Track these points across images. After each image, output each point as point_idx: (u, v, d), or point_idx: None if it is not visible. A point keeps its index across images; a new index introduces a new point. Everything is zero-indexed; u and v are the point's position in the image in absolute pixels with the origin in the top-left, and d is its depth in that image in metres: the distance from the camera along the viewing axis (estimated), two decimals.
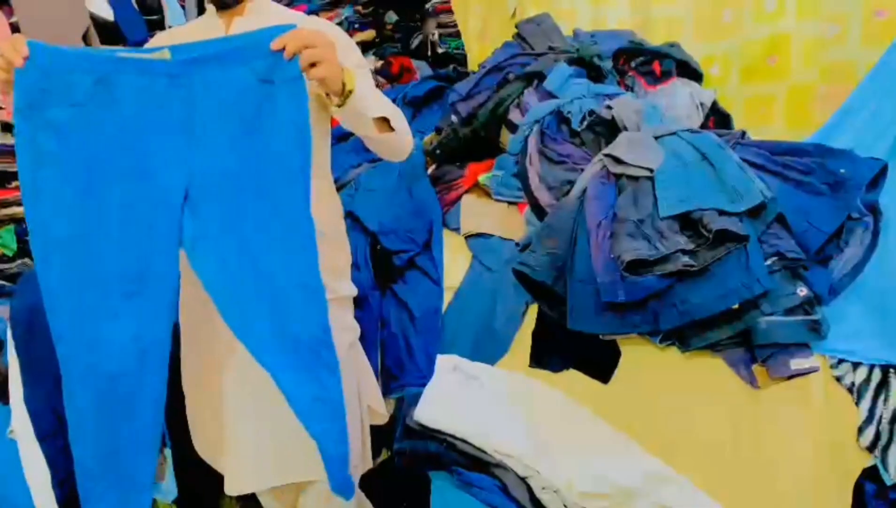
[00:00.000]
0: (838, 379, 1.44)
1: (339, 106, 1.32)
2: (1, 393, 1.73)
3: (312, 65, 1.22)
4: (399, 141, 1.49)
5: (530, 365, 1.64)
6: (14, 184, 2.54)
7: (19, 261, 2.57)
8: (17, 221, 2.57)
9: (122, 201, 1.27)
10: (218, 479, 1.78)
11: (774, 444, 1.44)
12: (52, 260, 1.26)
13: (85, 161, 1.24)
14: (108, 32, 2.80)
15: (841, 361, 1.45)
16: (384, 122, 1.44)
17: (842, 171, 1.55)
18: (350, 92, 1.30)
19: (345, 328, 1.63)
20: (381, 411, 1.76)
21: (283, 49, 1.21)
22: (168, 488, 1.80)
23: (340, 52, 1.41)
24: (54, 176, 1.23)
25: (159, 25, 3.01)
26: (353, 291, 1.66)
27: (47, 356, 1.67)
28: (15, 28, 2.43)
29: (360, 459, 1.68)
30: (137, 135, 1.25)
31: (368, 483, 1.75)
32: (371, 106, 1.39)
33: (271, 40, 1.21)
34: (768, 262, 1.48)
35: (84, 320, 1.28)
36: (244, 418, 1.56)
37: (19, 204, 2.54)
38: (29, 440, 1.66)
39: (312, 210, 1.41)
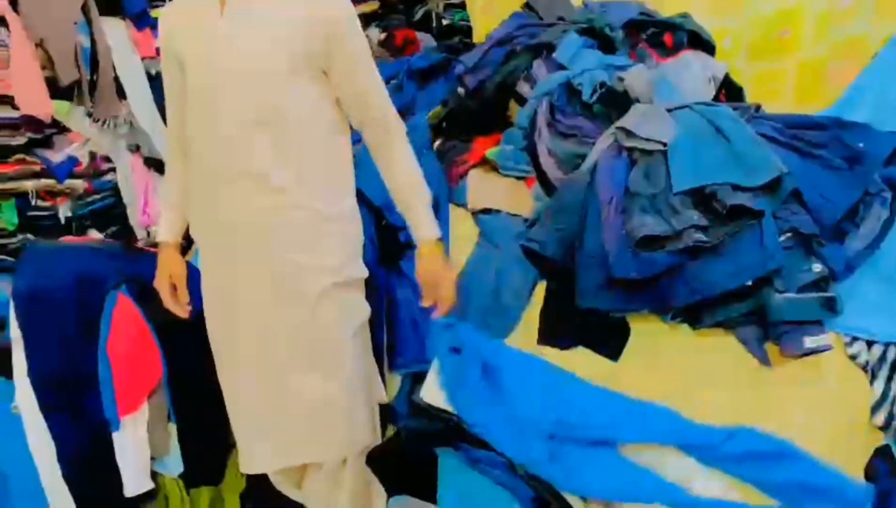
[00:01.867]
0: (852, 357, 1.42)
1: None
2: (4, 368, 1.72)
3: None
4: None
5: (538, 342, 1.62)
6: (14, 158, 2.51)
7: (20, 236, 2.55)
8: (19, 195, 2.54)
9: None
10: (223, 454, 1.78)
11: (786, 423, 1.42)
12: None
13: None
14: (107, 3, 2.75)
15: (855, 339, 1.43)
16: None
17: (860, 145, 1.52)
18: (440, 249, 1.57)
19: (357, 310, 1.62)
20: (381, 393, 1.76)
21: None
22: (173, 462, 1.80)
23: (345, 39, 1.43)
24: None
25: None
26: (365, 273, 1.65)
27: (52, 330, 1.67)
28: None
29: (371, 436, 1.68)
30: None
31: (376, 460, 1.74)
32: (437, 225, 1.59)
33: None
34: (783, 238, 1.45)
35: None
36: (258, 401, 1.56)
37: (21, 178, 2.52)
38: (33, 415, 1.66)
39: (327, 191, 1.42)
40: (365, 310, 1.66)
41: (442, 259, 1.57)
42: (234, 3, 1.40)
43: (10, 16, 2.37)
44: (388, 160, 1.56)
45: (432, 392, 1.48)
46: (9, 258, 2.52)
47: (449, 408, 1.47)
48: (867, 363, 1.40)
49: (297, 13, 1.40)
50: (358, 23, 1.49)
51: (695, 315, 1.49)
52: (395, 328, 1.85)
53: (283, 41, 1.40)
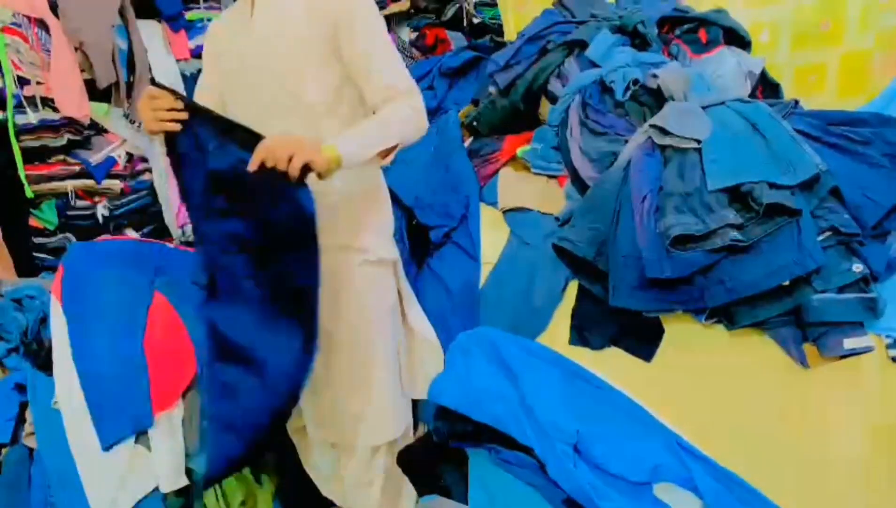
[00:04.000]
0: (894, 359, 1.38)
1: (328, 176, 1.34)
2: (45, 365, 1.76)
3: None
4: (404, 142, 1.47)
5: (570, 343, 1.61)
6: (54, 159, 2.57)
7: (60, 235, 2.60)
8: (58, 195, 2.60)
9: None
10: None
11: (825, 426, 1.40)
12: None
13: None
14: (143, 6, 2.80)
15: None
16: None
17: None
18: (337, 160, 1.32)
19: (386, 290, 1.63)
20: (416, 387, 1.76)
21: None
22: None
23: (354, 20, 1.43)
24: None
25: None
26: (395, 255, 1.65)
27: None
28: (52, 2, 2.44)
29: (402, 427, 1.69)
30: None
31: (407, 457, 1.74)
32: (364, 151, 1.39)
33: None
34: (821, 237, 1.42)
35: None
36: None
37: (61, 178, 2.58)
38: (73, 410, 1.69)
39: (354, 173, 1.46)
40: (394, 293, 1.67)
41: (316, 156, 1.31)
42: (260, 9, 1.49)
43: (50, 20, 2.43)
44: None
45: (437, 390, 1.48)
46: (49, 257, 2.58)
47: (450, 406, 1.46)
48: None
49: (314, 3, 1.45)
50: (373, 7, 1.49)
51: (730, 316, 1.46)
52: None
53: (304, 32, 1.45)
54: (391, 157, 1.45)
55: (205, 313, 1.51)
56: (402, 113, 1.45)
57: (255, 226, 1.42)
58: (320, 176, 1.32)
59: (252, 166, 1.28)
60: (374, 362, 1.62)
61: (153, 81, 2.47)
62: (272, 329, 1.43)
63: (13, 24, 2.40)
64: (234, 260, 1.45)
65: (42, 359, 1.78)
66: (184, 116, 1.38)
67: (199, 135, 1.40)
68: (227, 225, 1.44)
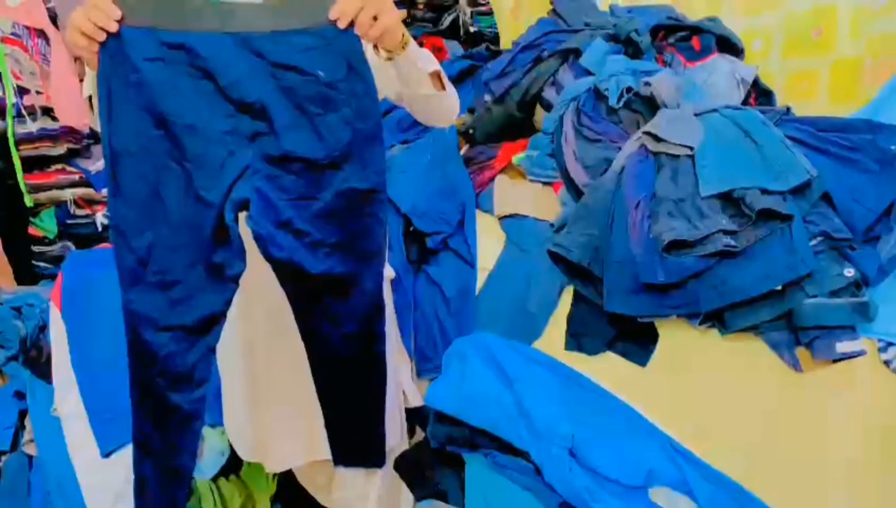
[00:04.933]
0: (886, 363, 1.39)
1: (394, 57, 1.28)
2: (44, 373, 1.77)
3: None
4: (450, 101, 1.45)
5: (566, 348, 1.63)
6: (54, 167, 2.59)
7: (60, 244, 2.62)
8: (58, 204, 2.61)
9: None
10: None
11: (819, 430, 1.41)
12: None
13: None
14: None
15: (889, 344, 1.40)
16: (437, 79, 1.39)
17: (892, 147, 1.49)
18: (407, 42, 1.27)
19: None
20: (413, 401, 1.77)
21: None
22: (207, 466, 1.83)
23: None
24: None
25: None
26: (391, 273, 1.66)
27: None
28: (51, 12, 2.46)
29: (399, 438, 1.69)
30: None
31: (403, 462, 1.75)
32: (427, 59, 1.35)
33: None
34: (813, 242, 1.43)
35: None
36: (283, 398, 1.58)
37: (60, 187, 2.60)
38: (74, 419, 1.70)
39: None
40: (391, 305, 1.67)
41: (397, 13, 1.28)
42: None
43: (50, 30, 2.46)
44: None
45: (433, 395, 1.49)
46: (49, 265, 2.59)
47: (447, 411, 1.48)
48: None
49: None
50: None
51: (724, 320, 1.47)
52: (421, 333, 1.86)
53: None
54: (446, 92, 1.39)
55: None
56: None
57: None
58: (387, 44, 1.26)
59: (342, 20, 1.16)
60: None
61: None
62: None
63: (13, 34, 2.42)
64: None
65: (41, 367, 1.79)
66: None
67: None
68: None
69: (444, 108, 1.48)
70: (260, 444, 1.65)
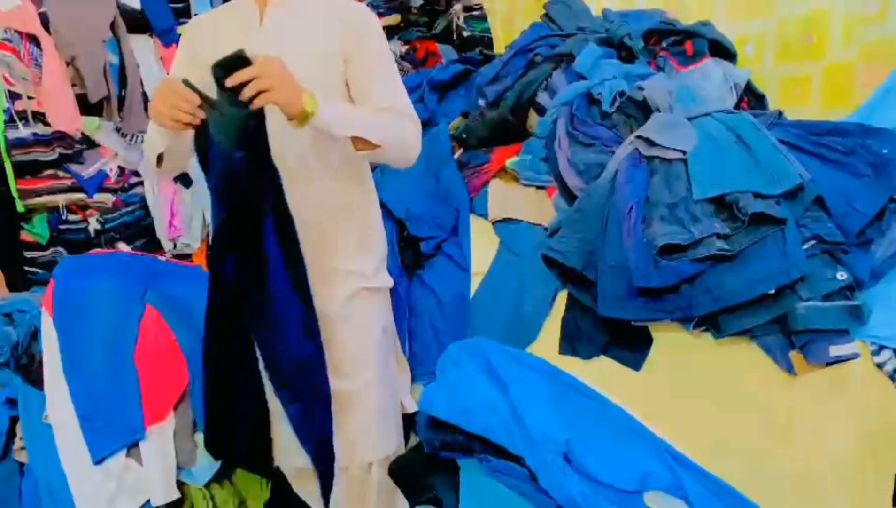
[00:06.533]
0: (879, 366, 1.40)
1: (299, 126, 1.34)
2: (36, 379, 1.76)
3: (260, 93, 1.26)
4: (387, 155, 1.47)
5: (560, 352, 1.62)
6: (45, 173, 2.57)
7: (52, 249, 2.60)
8: (50, 209, 2.60)
9: None
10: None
11: (812, 432, 1.41)
12: None
13: None
14: (134, 20, 2.82)
15: (882, 347, 1.40)
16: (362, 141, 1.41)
17: (885, 151, 1.50)
18: (310, 114, 1.31)
19: (383, 315, 1.66)
20: (410, 408, 1.77)
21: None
22: (199, 472, 1.82)
23: (364, 40, 1.45)
24: None
25: (185, 13, 3.02)
26: (389, 282, 1.67)
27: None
28: (44, 18, 2.45)
29: (396, 443, 1.69)
30: None
31: (398, 468, 1.74)
32: (343, 126, 1.38)
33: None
34: (806, 246, 1.44)
35: None
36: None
37: (52, 192, 2.58)
38: (66, 426, 1.69)
39: (344, 192, 1.47)
40: (389, 315, 1.68)
41: (295, 89, 1.31)
42: (272, 14, 1.48)
43: (42, 35, 2.45)
44: None
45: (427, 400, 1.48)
46: (40, 271, 2.58)
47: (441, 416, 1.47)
48: (894, 371, 1.38)
49: (329, 18, 1.47)
50: (380, 28, 1.53)
51: (717, 324, 1.47)
52: (416, 338, 1.86)
53: (317, 48, 1.46)
54: (366, 154, 1.43)
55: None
56: (399, 121, 1.46)
57: None
58: (289, 118, 1.32)
59: (232, 81, 1.25)
60: (373, 380, 1.62)
61: (146, 101, 2.48)
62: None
63: (5, 39, 2.42)
64: None
65: (33, 373, 1.77)
66: (199, 117, 1.31)
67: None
68: None
69: (389, 158, 1.51)
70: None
